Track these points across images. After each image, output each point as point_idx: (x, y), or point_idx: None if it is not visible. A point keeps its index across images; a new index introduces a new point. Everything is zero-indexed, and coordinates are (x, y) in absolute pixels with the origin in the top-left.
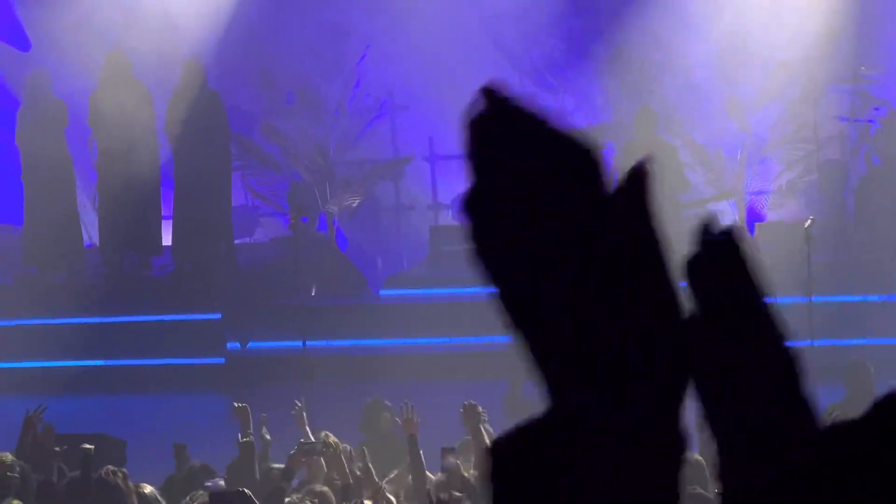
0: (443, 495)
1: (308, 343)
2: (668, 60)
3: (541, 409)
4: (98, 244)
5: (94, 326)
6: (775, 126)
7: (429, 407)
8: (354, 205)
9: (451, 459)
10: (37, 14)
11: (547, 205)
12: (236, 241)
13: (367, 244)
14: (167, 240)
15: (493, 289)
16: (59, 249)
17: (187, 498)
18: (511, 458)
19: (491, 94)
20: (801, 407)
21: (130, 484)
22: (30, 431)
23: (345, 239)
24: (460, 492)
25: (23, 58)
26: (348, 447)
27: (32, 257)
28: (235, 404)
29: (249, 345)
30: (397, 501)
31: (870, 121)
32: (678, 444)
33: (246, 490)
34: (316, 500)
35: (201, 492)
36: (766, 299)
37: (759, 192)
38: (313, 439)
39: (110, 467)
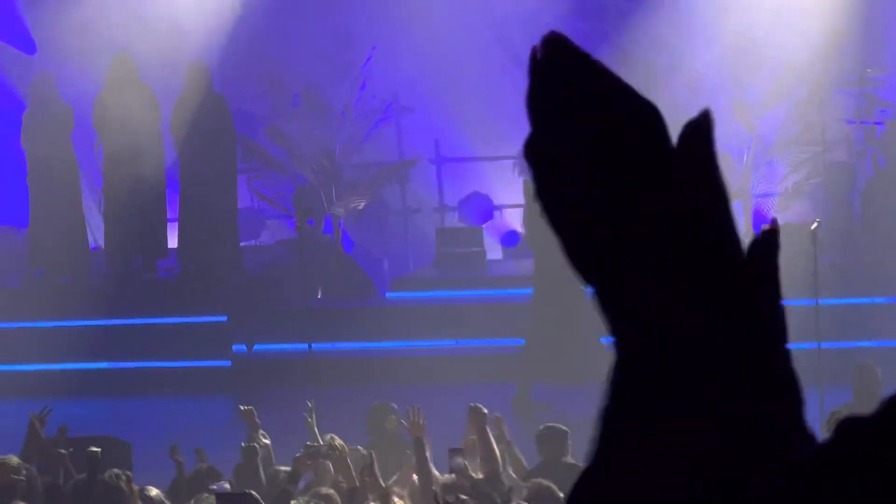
0: (449, 498)
1: (314, 346)
2: (675, 63)
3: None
4: (104, 247)
5: (100, 329)
6: (782, 128)
7: (435, 409)
8: (360, 207)
9: (458, 460)
10: (43, 17)
11: (609, 152)
12: (242, 244)
13: (373, 247)
14: (173, 242)
15: (556, 234)
16: (65, 252)
17: (192, 501)
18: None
19: (553, 42)
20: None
21: (135, 487)
22: (35, 433)
23: (351, 241)
24: (468, 494)
25: (29, 61)
26: (360, 449)
27: (38, 260)
28: (241, 407)
29: (255, 347)
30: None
31: (876, 123)
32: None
33: (252, 492)
34: (322, 503)
35: (206, 494)
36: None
37: (766, 195)
38: (320, 442)
39: (115, 470)
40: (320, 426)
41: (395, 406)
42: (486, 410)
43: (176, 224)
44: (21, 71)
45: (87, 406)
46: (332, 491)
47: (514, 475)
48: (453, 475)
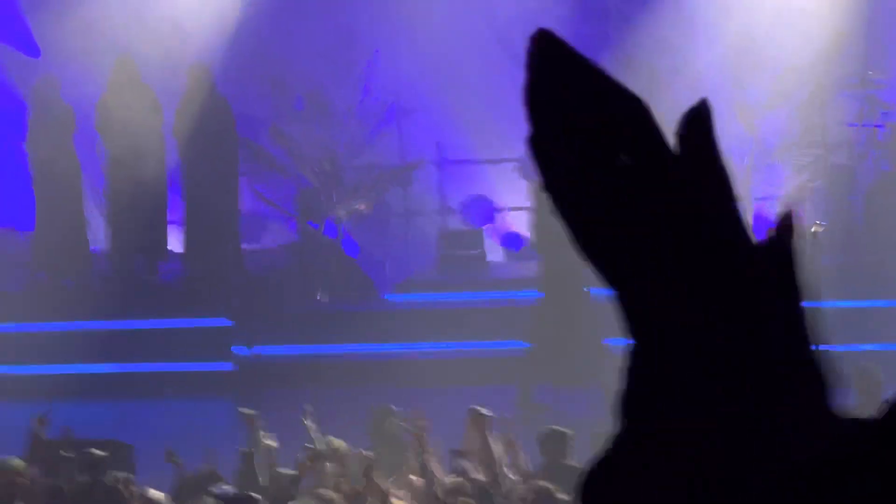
0: (451, 500)
1: (316, 348)
2: (677, 65)
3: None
4: (106, 249)
5: (102, 331)
6: (783, 131)
7: (436, 411)
8: (362, 210)
9: (461, 462)
10: (45, 20)
11: (606, 154)
12: (244, 247)
13: (375, 249)
14: (175, 245)
15: (565, 225)
16: (68, 254)
17: None
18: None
19: (545, 39)
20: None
21: (136, 489)
22: (37, 436)
23: (353, 244)
24: (470, 496)
25: (31, 63)
26: (362, 452)
27: (41, 262)
28: (243, 410)
29: (257, 350)
30: None
31: (878, 125)
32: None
33: (254, 494)
34: None
35: (208, 497)
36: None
37: (767, 197)
38: (322, 444)
39: (117, 473)
40: (322, 428)
41: (397, 408)
42: (484, 412)
43: (178, 226)
44: (24, 74)
45: (89, 409)
46: (333, 493)
47: (514, 477)
48: (456, 477)
